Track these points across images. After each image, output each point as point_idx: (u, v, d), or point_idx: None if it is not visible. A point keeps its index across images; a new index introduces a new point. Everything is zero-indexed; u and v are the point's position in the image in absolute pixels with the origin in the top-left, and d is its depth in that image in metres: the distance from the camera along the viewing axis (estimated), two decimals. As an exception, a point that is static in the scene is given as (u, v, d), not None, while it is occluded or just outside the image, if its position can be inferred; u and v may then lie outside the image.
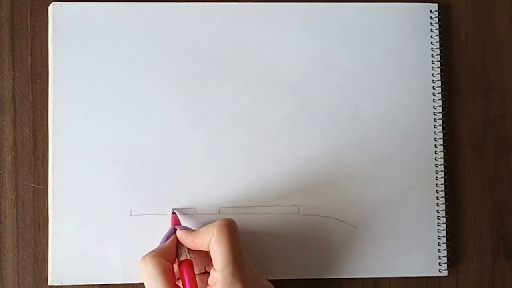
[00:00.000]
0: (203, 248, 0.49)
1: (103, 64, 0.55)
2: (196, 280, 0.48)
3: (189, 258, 0.49)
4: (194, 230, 0.50)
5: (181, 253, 0.50)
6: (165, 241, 0.50)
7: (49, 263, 0.53)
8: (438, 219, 0.56)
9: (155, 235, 0.53)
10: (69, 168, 0.54)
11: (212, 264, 0.48)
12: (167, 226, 0.53)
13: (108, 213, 0.54)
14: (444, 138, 0.57)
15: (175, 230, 0.51)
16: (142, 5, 0.56)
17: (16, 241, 0.54)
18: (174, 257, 0.50)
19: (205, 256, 0.50)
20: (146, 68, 0.55)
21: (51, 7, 0.55)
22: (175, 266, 0.50)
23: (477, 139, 0.58)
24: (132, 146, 0.54)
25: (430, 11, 0.57)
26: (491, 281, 0.57)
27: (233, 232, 0.48)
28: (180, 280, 0.49)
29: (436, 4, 0.58)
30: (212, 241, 0.47)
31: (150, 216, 0.54)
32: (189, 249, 0.50)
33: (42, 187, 0.55)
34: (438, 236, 0.56)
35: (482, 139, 0.58)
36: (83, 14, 0.55)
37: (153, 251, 0.49)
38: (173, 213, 0.53)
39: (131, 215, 0.54)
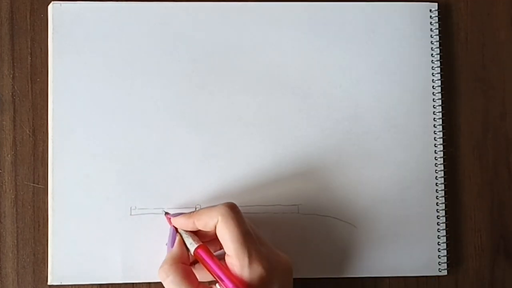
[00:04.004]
0: (206, 229, 0.49)
1: (103, 64, 0.55)
2: (218, 259, 0.48)
3: (201, 243, 0.49)
4: (190, 213, 0.50)
5: (191, 243, 0.49)
6: (172, 245, 0.50)
7: (48, 263, 0.53)
8: (438, 218, 0.56)
9: (155, 234, 0.54)
10: (69, 168, 0.54)
11: (221, 246, 0.48)
12: (167, 225, 0.53)
13: (107, 212, 0.54)
14: (444, 137, 0.57)
15: (174, 227, 0.51)
16: (142, 4, 0.55)
17: (15, 241, 0.54)
18: (187, 258, 0.50)
19: (213, 240, 0.50)
20: (146, 67, 0.55)
21: (51, 7, 0.55)
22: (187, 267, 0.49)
23: (477, 138, 0.58)
24: (132, 145, 0.54)
25: (430, 10, 0.57)
26: (490, 280, 0.57)
27: (237, 215, 0.48)
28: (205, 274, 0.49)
29: (436, 4, 0.58)
30: (218, 228, 0.47)
31: (150, 215, 0.54)
32: (196, 236, 0.50)
33: (42, 186, 0.55)
34: (438, 235, 0.56)
35: (482, 138, 0.58)
36: (82, 13, 0.55)
37: (166, 260, 0.49)
38: (166, 213, 0.53)
39: (131, 214, 0.54)
